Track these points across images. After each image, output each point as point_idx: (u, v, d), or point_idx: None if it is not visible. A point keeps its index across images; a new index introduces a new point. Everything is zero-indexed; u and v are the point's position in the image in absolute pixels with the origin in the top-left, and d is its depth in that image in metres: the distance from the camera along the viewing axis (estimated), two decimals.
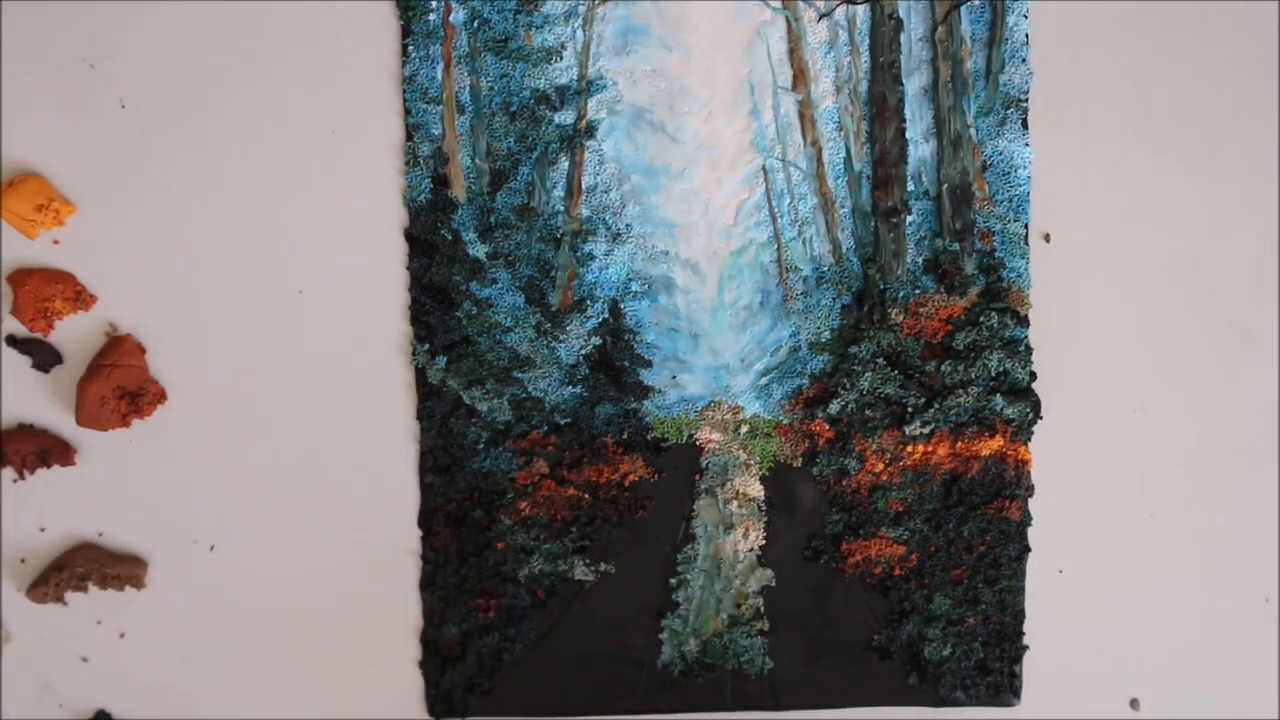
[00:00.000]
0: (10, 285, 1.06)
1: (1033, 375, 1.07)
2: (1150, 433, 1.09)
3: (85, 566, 1.05)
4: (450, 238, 1.06)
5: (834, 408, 1.06)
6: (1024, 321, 1.06)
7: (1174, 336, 1.08)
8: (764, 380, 1.08)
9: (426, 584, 1.08)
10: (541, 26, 1.05)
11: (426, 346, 1.06)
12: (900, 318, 1.06)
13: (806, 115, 1.07)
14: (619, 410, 1.07)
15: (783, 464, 1.08)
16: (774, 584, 1.08)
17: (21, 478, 1.07)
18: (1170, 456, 1.09)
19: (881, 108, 1.06)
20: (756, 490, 1.08)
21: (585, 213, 1.06)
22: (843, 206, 1.07)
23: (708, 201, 1.07)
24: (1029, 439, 1.07)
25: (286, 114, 1.06)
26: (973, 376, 1.05)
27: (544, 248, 1.06)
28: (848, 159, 1.07)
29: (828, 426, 1.07)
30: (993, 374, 1.06)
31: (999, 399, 1.05)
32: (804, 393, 1.07)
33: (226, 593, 1.08)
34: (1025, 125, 1.06)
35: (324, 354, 1.07)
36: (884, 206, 1.06)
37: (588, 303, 1.07)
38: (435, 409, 1.07)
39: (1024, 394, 1.06)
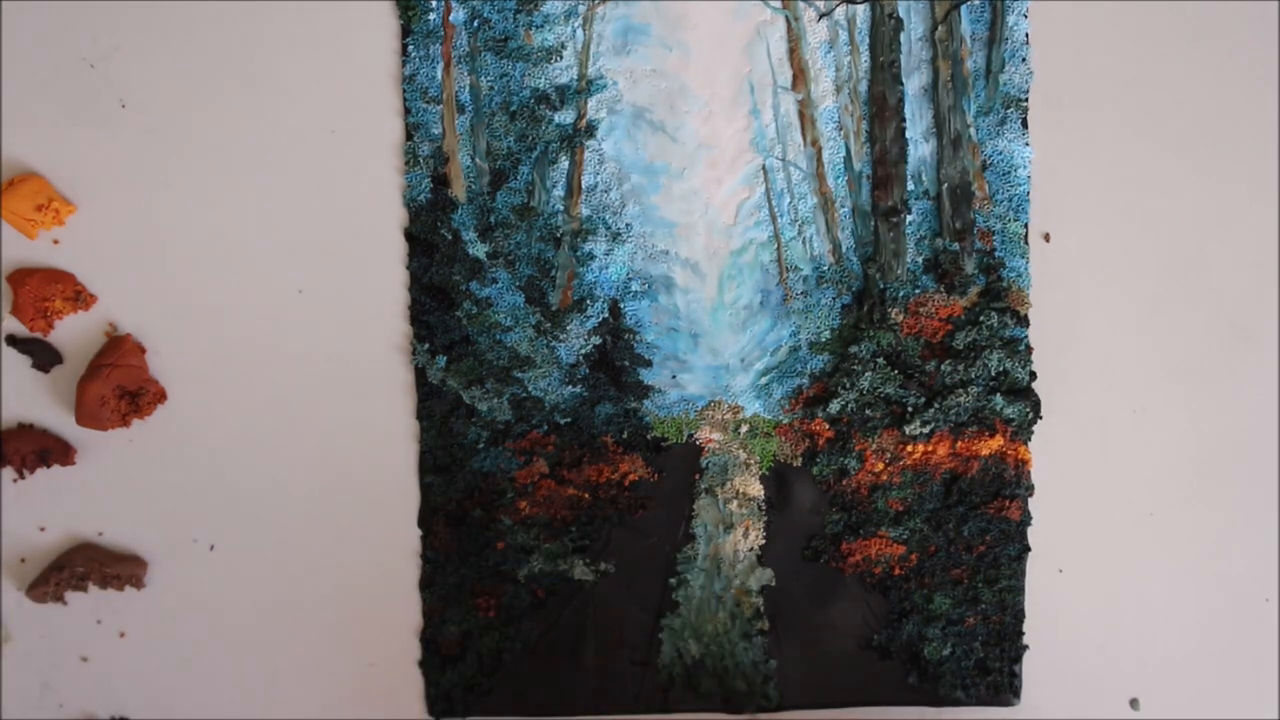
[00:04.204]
0: (10, 285, 1.06)
1: (1033, 375, 1.07)
2: (1150, 433, 1.09)
3: (85, 566, 1.05)
4: (450, 237, 1.06)
5: (834, 407, 1.06)
6: (1024, 321, 1.06)
7: (1174, 336, 1.08)
8: (764, 380, 1.08)
9: (426, 584, 1.08)
10: (541, 26, 1.05)
11: (426, 346, 1.06)
12: (900, 317, 1.06)
13: (806, 115, 1.07)
14: (619, 410, 1.07)
15: (783, 464, 1.08)
16: (774, 584, 1.08)
17: (21, 477, 1.07)
18: (1170, 456, 1.09)
19: (881, 107, 1.06)
20: (756, 490, 1.08)
21: (585, 212, 1.07)
22: (843, 206, 1.07)
23: (708, 201, 1.07)
24: (1029, 439, 1.07)
25: (286, 114, 1.06)
26: (973, 376, 1.05)
27: (544, 247, 1.06)
28: (848, 159, 1.07)
29: (828, 426, 1.07)
30: (993, 374, 1.06)
31: (999, 399, 1.05)
32: (804, 392, 1.07)
33: (226, 593, 1.08)
34: (1025, 125, 1.06)
35: (324, 354, 1.07)
36: (884, 206, 1.06)
37: (588, 302, 1.07)
38: (435, 409, 1.07)
39: (1024, 394, 1.06)
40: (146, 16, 1.06)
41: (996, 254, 1.07)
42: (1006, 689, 1.08)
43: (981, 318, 1.06)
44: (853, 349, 1.06)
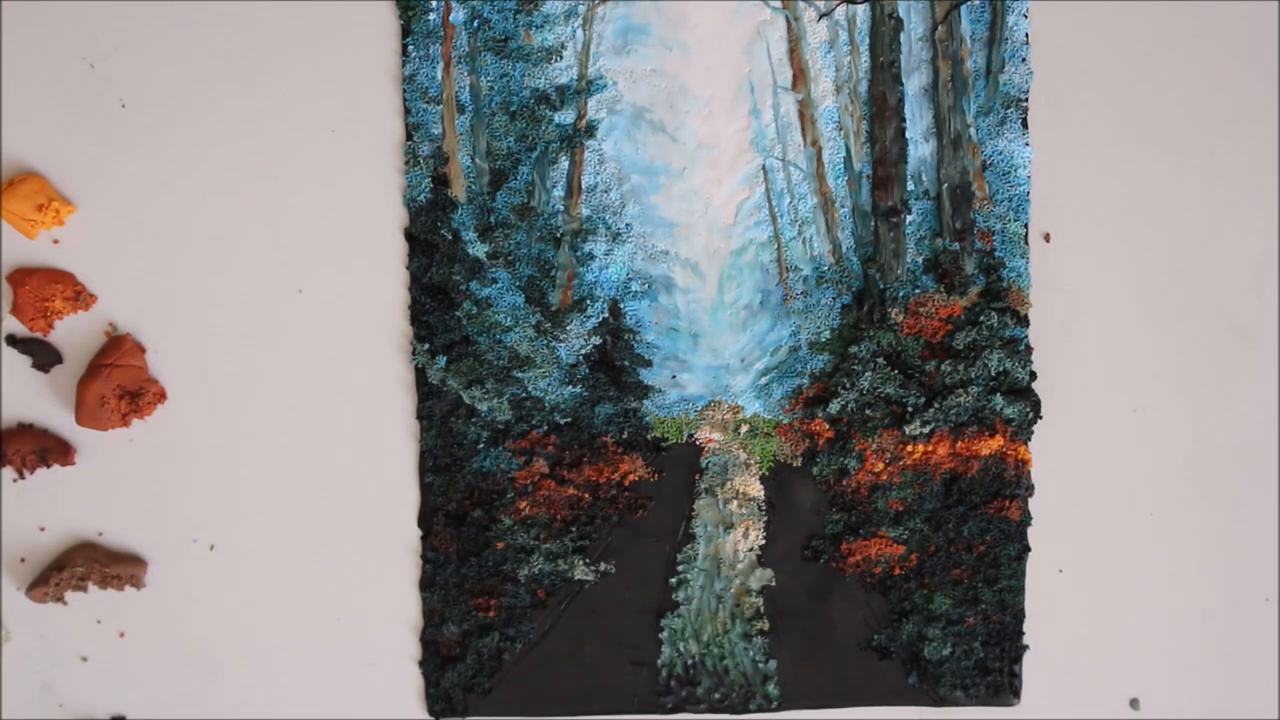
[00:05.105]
0: (10, 285, 1.06)
1: (1033, 375, 1.07)
2: (1150, 433, 1.09)
3: (85, 566, 1.05)
4: (450, 237, 1.06)
5: (834, 407, 1.06)
6: (1024, 321, 1.06)
7: (1174, 336, 1.08)
8: (764, 380, 1.08)
9: (426, 584, 1.08)
10: (541, 26, 1.05)
11: (426, 346, 1.06)
12: (900, 317, 1.06)
13: (806, 115, 1.07)
14: (619, 410, 1.07)
15: (783, 464, 1.08)
16: (774, 584, 1.08)
17: (21, 477, 1.06)
18: (1170, 456, 1.09)
19: (881, 107, 1.06)
20: (756, 490, 1.08)
21: (585, 212, 1.07)
22: (843, 206, 1.07)
23: (708, 201, 1.07)
24: (1029, 439, 1.07)
25: (286, 114, 1.06)
26: (973, 376, 1.05)
27: (544, 247, 1.06)
28: (848, 159, 1.07)
29: (828, 426, 1.07)
30: (993, 374, 1.06)
31: (999, 399, 1.05)
32: (804, 392, 1.07)
33: (226, 593, 1.08)
34: (1025, 125, 1.06)
35: (324, 354, 1.07)
36: (884, 206, 1.06)
37: (588, 302, 1.07)
38: (435, 409, 1.07)
39: (1024, 394, 1.06)
40: (146, 16, 1.06)
41: (996, 254, 1.07)
42: (1006, 689, 1.08)
43: (981, 318, 1.06)
44: (853, 349, 1.06)
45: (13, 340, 1.07)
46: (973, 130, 1.06)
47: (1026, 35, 1.06)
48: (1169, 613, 1.09)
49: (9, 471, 1.07)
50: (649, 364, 1.07)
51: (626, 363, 1.07)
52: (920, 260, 1.07)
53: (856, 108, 1.07)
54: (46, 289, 1.05)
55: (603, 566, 1.08)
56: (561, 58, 1.06)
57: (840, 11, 1.06)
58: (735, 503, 1.07)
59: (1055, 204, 1.07)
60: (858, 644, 1.08)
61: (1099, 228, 1.08)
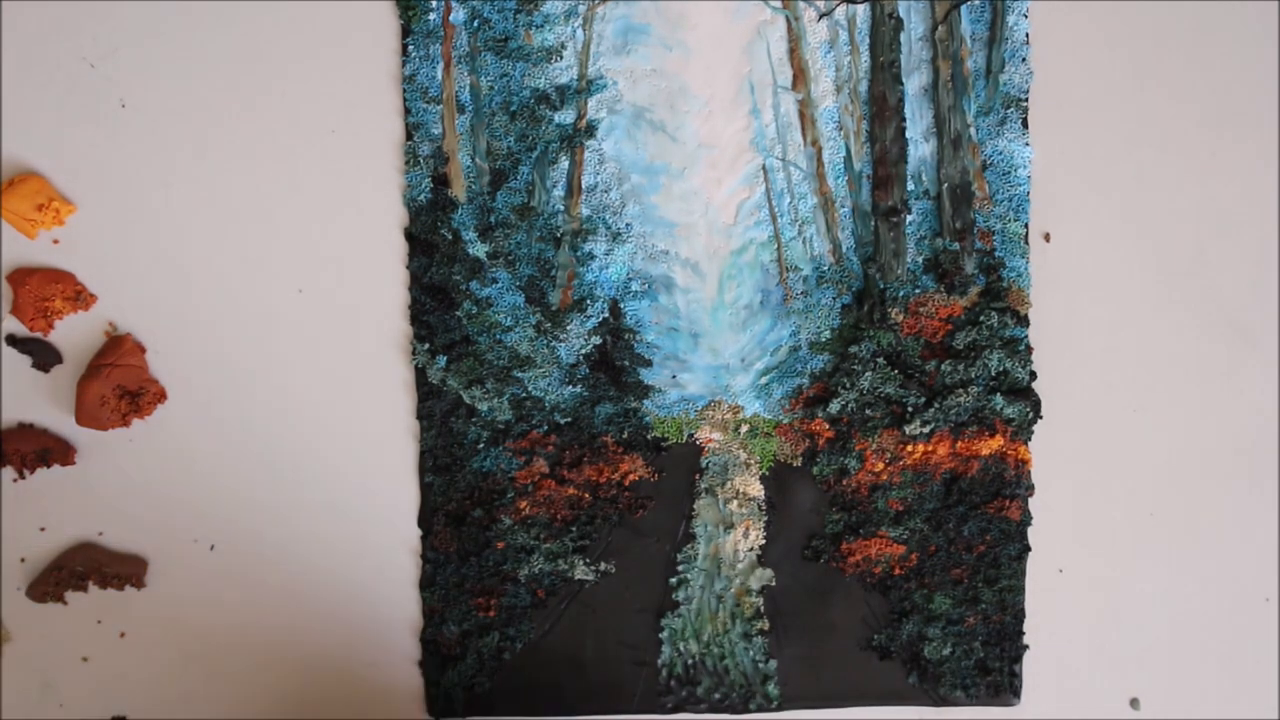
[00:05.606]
0: (10, 285, 1.06)
1: (1033, 375, 1.07)
2: (1150, 433, 1.09)
3: (85, 566, 1.05)
4: (450, 237, 1.06)
5: (834, 407, 1.06)
6: (1024, 321, 1.06)
7: (1173, 336, 1.08)
8: (764, 380, 1.08)
9: (426, 584, 1.08)
10: (541, 26, 1.05)
11: (426, 346, 1.06)
12: (900, 317, 1.06)
13: (806, 115, 1.07)
14: (619, 410, 1.07)
15: (783, 464, 1.08)
16: (774, 584, 1.08)
17: (21, 477, 1.07)
18: (1170, 456, 1.09)
19: (881, 107, 1.06)
20: (756, 490, 1.08)
21: (585, 212, 1.07)
22: (843, 206, 1.07)
23: (708, 201, 1.07)
24: (1029, 439, 1.07)
25: (286, 114, 1.06)
26: (973, 376, 1.05)
27: (544, 247, 1.06)
28: (848, 158, 1.07)
29: (828, 426, 1.07)
30: (993, 374, 1.06)
31: (999, 399, 1.06)
32: (804, 392, 1.07)
33: (226, 593, 1.08)
34: (1025, 125, 1.06)
35: (324, 354, 1.07)
36: (884, 206, 1.06)
37: (588, 302, 1.07)
38: (435, 409, 1.07)
39: (1024, 394, 1.06)
40: (146, 16, 1.06)
41: (996, 254, 1.07)
42: (1006, 689, 1.08)
43: (981, 318, 1.06)
44: (853, 349, 1.06)
45: (13, 340, 1.07)
46: (973, 130, 1.06)
47: (1026, 35, 1.06)
48: (1169, 613, 1.09)
49: (9, 471, 1.07)
50: (649, 364, 1.08)
51: (626, 363, 1.07)
52: (920, 260, 1.07)
53: (856, 108, 1.07)
54: (46, 289, 1.05)
55: (603, 566, 1.08)
56: (561, 58, 1.06)
57: (840, 11, 1.06)
58: (735, 503, 1.07)
59: (1055, 204, 1.07)
60: (858, 644, 1.08)
61: (1099, 228, 1.08)
